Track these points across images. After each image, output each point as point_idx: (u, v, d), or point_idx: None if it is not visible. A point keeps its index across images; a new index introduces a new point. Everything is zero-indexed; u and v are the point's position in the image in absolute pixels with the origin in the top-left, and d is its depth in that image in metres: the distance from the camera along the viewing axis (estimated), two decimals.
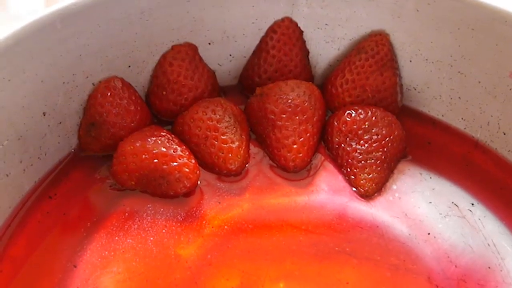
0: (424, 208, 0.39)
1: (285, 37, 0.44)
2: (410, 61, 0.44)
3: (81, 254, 0.35)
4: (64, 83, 0.38)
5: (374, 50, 0.42)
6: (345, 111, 0.41)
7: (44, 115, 0.38)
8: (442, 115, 0.45)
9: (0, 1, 0.59)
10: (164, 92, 0.42)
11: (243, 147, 0.40)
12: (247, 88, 0.46)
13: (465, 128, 0.44)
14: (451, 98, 0.43)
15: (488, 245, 0.37)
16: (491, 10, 0.38)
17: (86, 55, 0.39)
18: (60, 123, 0.39)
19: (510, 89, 0.40)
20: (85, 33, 0.38)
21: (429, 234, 0.37)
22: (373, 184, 0.39)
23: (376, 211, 0.38)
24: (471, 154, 0.42)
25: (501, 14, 0.38)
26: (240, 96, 0.46)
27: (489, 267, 0.35)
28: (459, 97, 0.43)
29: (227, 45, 0.45)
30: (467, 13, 0.39)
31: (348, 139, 0.40)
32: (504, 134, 0.41)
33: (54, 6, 0.35)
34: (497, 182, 0.41)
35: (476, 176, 0.41)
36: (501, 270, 0.35)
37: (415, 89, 0.45)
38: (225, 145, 0.39)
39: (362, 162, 0.39)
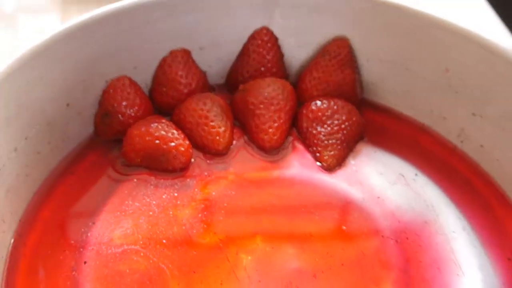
0: (376, 178, 0.45)
1: (263, 43, 0.49)
2: (367, 61, 0.49)
3: (98, 214, 0.42)
4: (83, 80, 0.44)
5: (336, 52, 0.48)
6: (312, 102, 0.47)
7: (68, 106, 0.44)
8: (395, 105, 0.51)
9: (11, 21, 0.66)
10: (164, 89, 0.48)
11: (228, 132, 0.46)
12: (232, 86, 0.51)
13: (413, 115, 0.50)
14: (402, 91, 0.49)
15: (427, 205, 0.43)
16: (426, 18, 0.44)
17: (100, 58, 0.44)
18: (80, 113, 0.45)
19: (447, 82, 0.46)
20: (100, 40, 0.44)
21: (378, 198, 0.44)
22: (335, 160, 0.46)
23: (337, 181, 0.45)
24: (418, 136, 0.48)
25: (434, 21, 0.44)
26: (227, 93, 0.51)
27: (426, 222, 0.42)
28: (408, 90, 0.49)
29: (216, 50, 0.50)
30: (409, 21, 0.45)
31: (314, 124, 0.47)
32: (444, 118, 0.48)
33: (76, 19, 0.42)
34: (438, 157, 0.47)
35: (421, 153, 0.47)
36: (435, 224, 0.42)
37: (372, 84, 0.51)
38: (213, 130, 0.45)
39: (325, 142, 0.46)
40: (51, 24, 0.64)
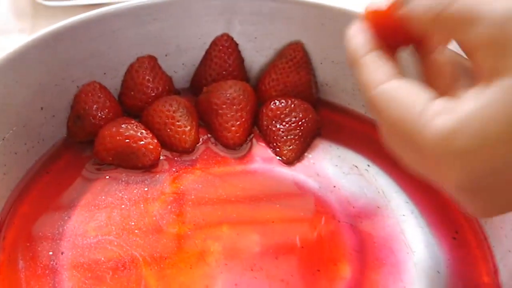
0: (332, 169, 0.49)
1: (224, 48, 0.52)
2: (321, 63, 0.53)
3: (73, 209, 0.44)
4: (56, 85, 0.47)
5: (292, 55, 0.52)
6: (271, 101, 0.51)
7: (42, 109, 0.46)
8: (348, 104, 0.54)
9: None
10: (132, 92, 0.51)
11: (194, 131, 0.49)
12: (197, 89, 0.53)
13: (365, 113, 0.53)
14: (354, 90, 0.53)
15: (379, 192, 0.47)
16: None
17: (72, 64, 0.47)
18: (54, 116, 0.48)
19: None
20: (70, 48, 0.47)
21: (334, 186, 0.47)
22: (293, 154, 0.49)
23: (296, 173, 0.48)
24: (370, 131, 0.51)
25: None
26: (192, 96, 0.54)
27: (378, 207, 0.46)
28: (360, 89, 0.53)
29: (180, 56, 0.54)
30: None
31: (273, 121, 0.50)
32: None
33: (48, 28, 0.45)
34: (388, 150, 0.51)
35: (372, 146, 0.50)
36: (386, 208, 0.46)
37: (327, 84, 0.54)
38: (180, 129, 0.48)
39: (284, 137, 0.49)
40: (23, 37, 0.66)
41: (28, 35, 0.64)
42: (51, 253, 0.41)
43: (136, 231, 0.43)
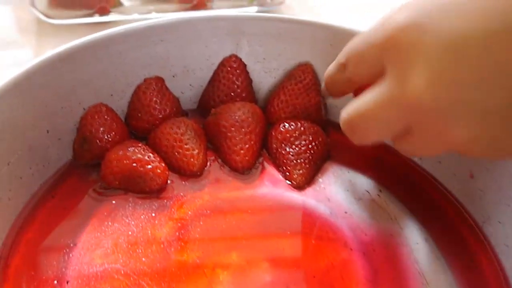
0: (343, 194, 0.48)
1: (232, 69, 0.52)
2: None
3: (79, 236, 0.43)
4: (62, 107, 0.46)
5: (301, 77, 0.51)
6: (280, 124, 0.50)
7: (48, 132, 0.45)
8: None
9: None
10: (139, 114, 0.50)
11: (202, 154, 0.48)
12: (204, 110, 0.52)
13: None
14: None
15: (391, 219, 0.46)
16: None
17: (78, 86, 0.46)
18: (59, 138, 0.47)
19: None
20: (77, 69, 0.46)
21: (346, 212, 0.46)
22: (303, 178, 0.48)
23: (306, 198, 0.47)
24: (382, 155, 0.51)
25: None
26: (199, 117, 0.53)
27: (391, 235, 0.45)
28: None
29: (188, 77, 0.53)
30: None
31: (283, 144, 0.49)
32: None
33: (55, 50, 0.44)
34: (400, 175, 0.50)
35: (384, 171, 0.50)
36: (399, 236, 0.45)
37: (336, 106, 0.53)
38: (187, 152, 0.47)
39: (294, 161, 0.48)
40: (25, 56, 0.65)
41: (32, 53, 0.65)
42: (56, 282, 0.40)
43: (143, 259, 0.42)
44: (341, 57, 0.39)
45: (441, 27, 0.29)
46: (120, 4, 0.68)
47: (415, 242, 0.45)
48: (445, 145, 0.33)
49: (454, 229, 0.46)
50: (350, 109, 0.37)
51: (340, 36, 0.50)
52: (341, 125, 0.38)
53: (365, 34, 0.36)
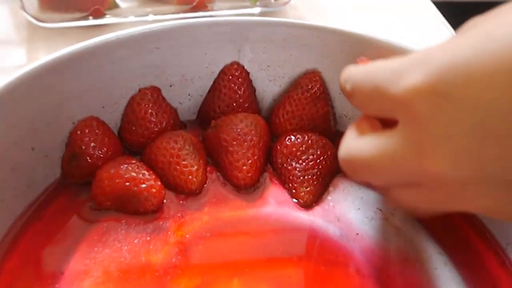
0: (354, 213, 0.45)
1: (234, 78, 0.49)
2: (340, 93, 0.47)
3: (67, 263, 0.40)
4: (48, 123, 0.43)
5: (309, 86, 0.48)
6: (286, 137, 0.47)
7: (33, 149, 0.42)
8: None
9: None
10: (134, 127, 0.47)
11: (201, 170, 0.45)
12: (204, 121, 0.50)
13: None
14: None
15: (406, 241, 0.43)
16: (394, 48, 0.44)
17: (66, 99, 0.43)
18: (46, 156, 0.44)
19: None
20: (65, 81, 0.43)
21: (357, 234, 0.43)
22: (311, 196, 0.45)
23: (314, 217, 0.44)
24: None
25: (402, 51, 0.43)
26: (199, 129, 0.50)
27: (407, 259, 0.41)
28: None
29: (186, 87, 0.50)
30: (378, 51, 0.45)
31: (289, 159, 0.46)
32: None
33: (41, 60, 0.40)
34: None
35: None
36: (416, 261, 0.41)
37: (346, 116, 0.50)
38: (186, 169, 0.44)
39: (301, 178, 0.45)
40: (17, 61, 0.62)
41: (24, 56, 0.62)
42: None
43: None
44: (348, 84, 0.36)
45: (467, 96, 0.26)
46: (116, 6, 0.64)
47: (434, 267, 0.41)
48: (458, 209, 0.31)
49: (476, 252, 0.42)
50: (351, 150, 0.34)
51: (352, 41, 0.47)
52: (339, 160, 0.36)
53: (379, 74, 0.32)
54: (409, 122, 0.29)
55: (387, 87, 0.30)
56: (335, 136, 0.49)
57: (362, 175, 0.34)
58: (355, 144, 0.34)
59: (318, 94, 0.48)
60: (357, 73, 0.35)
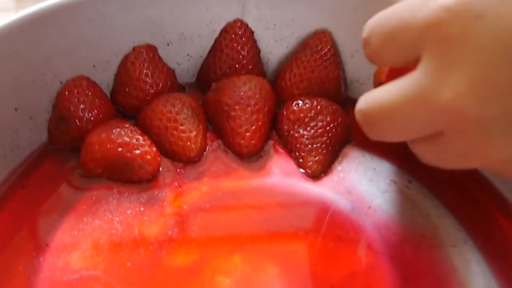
0: (366, 185, 0.42)
1: (237, 37, 0.46)
2: (352, 56, 0.46)
3: (53, 234, 0.37)
4: (33, 81, 0.40)
5: (318, 47, 0.45)
6: (293, 102, 0.44)
7: (16, 110, 0.40)
8: None
9: None
10: (127, 89, 0.44)
11: (201, 136, 0.42)
12: (204, 84, 0.47)
13: None
14: None
15: (423, 216, 0.40)
16: None
17: (53, 56, 0.41)
18: (31, 118, 0.41)
19: None
20: (52, 36, 0.40)
21: (369, 207, 0.40)
22: (319, 166, 0.42)
23: (322, 189, 0.41)
24: None
25: None
26: (198, 93, 0.48)
27: (424, 235, 0.38)
28: None
29: (185, 46, 0.47)
30: None
31: (296, 126, 0.43)
32: None
33: (24, 11, 0.37)
34: None
35: (413, 157, 0.43)
36: (434, 237, 0.38)
37: (358, 81, 0.47)
38: (183, 135, 0.41)
39: (309, 146, 0.42)
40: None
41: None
42: None
43: (128, 264, 0.36)
44: (365, 31, 0.33)
45: (500, 14, 0.24)
46: None
47: (453, 245, 0.38)
48: (478, 159, 0.29)
49: (500, 231, 0.39)
50: (369, 100, 0.31)
51: None
52: (356, 115, 0.32)
53: (401, 8, 0.29)
54: (434, 48, 0.26)
55: (414, 13, 0.27)
56: (345, 103, 0.47)
57: (382, 127, 0.31)
58: (373, 93, 0.31)
59: (328, 56, 0.45)
60: (376, 16, 0.32)
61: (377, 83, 0.36)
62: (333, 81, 0.46)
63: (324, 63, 0.45)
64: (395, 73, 0.31)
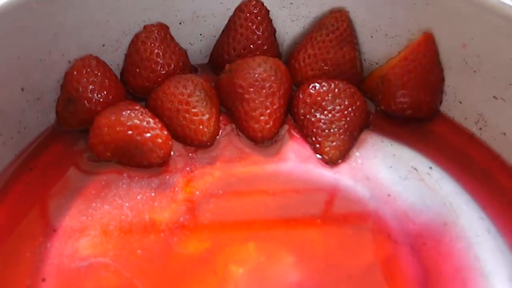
0: (385, 172, 0.41)
1: (252, 16, 0.45)
2: (371, 36, 0.45)
3: (60, 220, 0.36)
4: (40, 60, 0.39)
5: (334, 26, 0.44)
6: (310, 84, 0.43)
7: (23, 90, 0.39)
8: None
9: None
10: (138, 70, 0.44)
11: (213, 120, 0.41)
12: (217, 65, 0.47)
13: None
14: None
15: (445, 204, 0.39)
16: None
17: (61, 34, 0.40)
18: (38, 98, 0.41)
19: (464, 60, 0.41)
20: (59, 13, 0.39)
21: (389, 195, 0.39)
22: (337, 151, 0.41)
23: (340, 176, 0.40)
24: (431, 122, 0.44)
25: None
26: (211, 74, 0.47)
27: (445, 224, 0.38)
28: None
29: (198, 25, 0.46)
30: None
31: (313, 110, 0.42)
32: (460, 102, 0.43)
33: None
34: (454, 147, 0.43)
35: (434, 142, 0.43)
36: (456, 226, 0.37)
37: (377, 63, 0.46)
38: (196, 118, 0.40)
39: (326, 131, 0.41)
40: None
41: None
42: (29, 280, 0.33)
43: (138, 251, 0.35)
44: None
45: None
46: None
47: (475, 234, 0.37)
48: None
49: None
50: None
51: None
52: None
53: None
54: None
55: None
56: (361, 85, 0.46)
57: None
58: None
59: (344, 36, 0.44)
60: None
61: None
62: (349, 63, 0.45)
63: (340, 43, 0.44)
64: None
